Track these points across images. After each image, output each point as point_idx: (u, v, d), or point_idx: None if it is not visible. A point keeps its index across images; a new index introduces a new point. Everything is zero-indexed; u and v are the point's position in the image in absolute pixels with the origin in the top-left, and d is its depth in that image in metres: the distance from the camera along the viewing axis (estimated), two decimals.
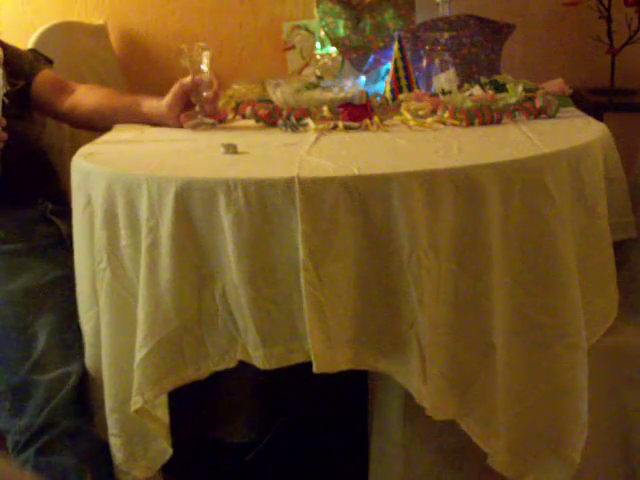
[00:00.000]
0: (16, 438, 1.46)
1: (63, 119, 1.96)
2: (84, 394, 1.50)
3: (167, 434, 1.43)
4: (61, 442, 1.44)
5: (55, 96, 1.90)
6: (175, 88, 1.73)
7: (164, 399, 1.41)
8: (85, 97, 1.88)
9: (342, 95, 1.82)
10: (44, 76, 1.90)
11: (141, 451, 1.44)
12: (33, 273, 1.58)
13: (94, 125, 1.86)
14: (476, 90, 1.82)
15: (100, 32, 2.50)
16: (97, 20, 2.54)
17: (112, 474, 1.47)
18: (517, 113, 1.71)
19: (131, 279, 1.38)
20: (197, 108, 1.74)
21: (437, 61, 1.99)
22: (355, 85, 1.89)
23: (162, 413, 1.42)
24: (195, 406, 1.80)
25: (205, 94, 1.72)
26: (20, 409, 1.46)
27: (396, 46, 1.95)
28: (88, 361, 1.49)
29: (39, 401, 1.45)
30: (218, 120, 1.79)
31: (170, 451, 1.43)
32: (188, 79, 1.71)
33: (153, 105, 1.78)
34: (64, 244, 1.67)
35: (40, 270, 1.59)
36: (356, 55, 2.13)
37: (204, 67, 1.71)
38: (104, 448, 1.46)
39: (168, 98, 1.74)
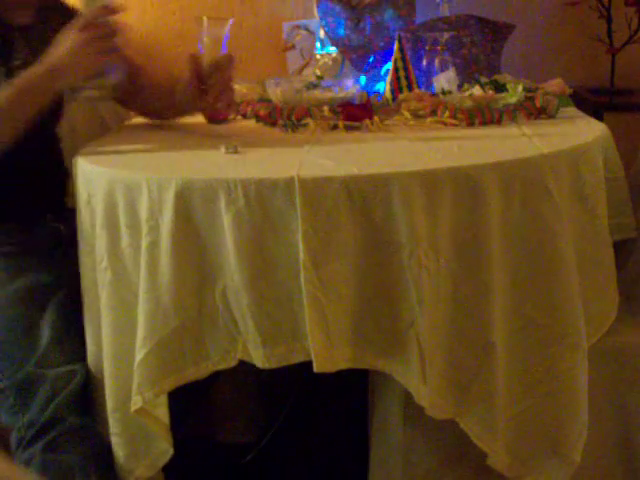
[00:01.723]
0: (21, 434, 1.45)
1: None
2: (88, 394, 1.49)
3: (167, 434, 1.42)
4: (67, 439, 1.44)
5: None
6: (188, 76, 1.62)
7: (164, 399, 1.41)
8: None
9: (342, 95, 1.82)
10: None
11: (143, 450, 1.44)
12: (35, 273, 1.58)
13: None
14: (476, 90, 1.82)
15: None
16: None
17: (116, 474, 1.46)
18: (517, 113, 1.71)
19: (132, 279, 1.38)
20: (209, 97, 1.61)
21: (437, 61, 1.99)
22: (355, 85, 1.89)
23: (162, 413, 1.42)
24: (195, 406, 1.80)
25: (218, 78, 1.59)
26: (24, 405, 1.46)
27: (396, 46, 1.94)
28: (91, 361, 1.49)
29: (44, 397, 1.45)
30: (221, 120, 1.78)
31: (171, 451, 1.43)
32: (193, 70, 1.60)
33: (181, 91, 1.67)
34: (63, 245, 1.67)
35: (41, 270, 1.59)
36: (356, 55, 2.13)
37: (224, 42, 1.60)
38: (109, 448, 1.46)
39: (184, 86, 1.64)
